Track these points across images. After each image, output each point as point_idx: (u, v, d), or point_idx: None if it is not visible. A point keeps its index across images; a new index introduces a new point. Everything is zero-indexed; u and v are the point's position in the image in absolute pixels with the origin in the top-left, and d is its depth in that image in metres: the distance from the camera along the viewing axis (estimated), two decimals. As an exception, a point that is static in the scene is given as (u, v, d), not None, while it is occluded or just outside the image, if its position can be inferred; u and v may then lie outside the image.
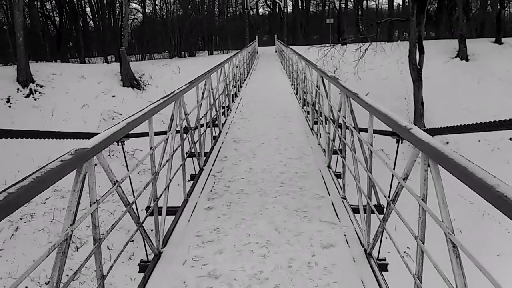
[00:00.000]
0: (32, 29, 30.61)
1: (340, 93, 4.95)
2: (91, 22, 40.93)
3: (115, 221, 2.80)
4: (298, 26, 50.95)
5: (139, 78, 22.65)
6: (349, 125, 4.60)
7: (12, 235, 13.38)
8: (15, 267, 12.33)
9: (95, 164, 2.49)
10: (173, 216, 4.38)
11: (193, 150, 5.84)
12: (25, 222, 14.11)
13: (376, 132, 4.18)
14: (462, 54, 24.06)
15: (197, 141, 6.00)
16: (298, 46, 27.52)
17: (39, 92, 20.44)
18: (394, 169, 3.01)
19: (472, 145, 18.99)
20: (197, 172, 6.02)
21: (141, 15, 43.08)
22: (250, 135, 7.87)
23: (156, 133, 3.94)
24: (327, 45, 25.08)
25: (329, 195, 4.92)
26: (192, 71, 22.56)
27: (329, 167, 5.96)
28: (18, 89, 20.04)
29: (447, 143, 19.52)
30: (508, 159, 18.68)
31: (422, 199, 2.39)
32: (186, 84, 5.39)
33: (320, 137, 7.39)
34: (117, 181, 2.81)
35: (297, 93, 13.07)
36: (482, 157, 17.69)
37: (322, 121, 7.22)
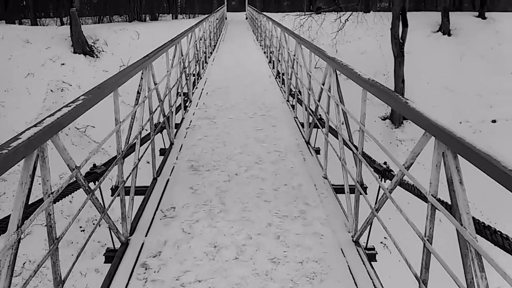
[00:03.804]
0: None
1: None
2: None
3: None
4: (269, -9, 48.37)
5: (92, 44, 20.12)
6: (433, 203, 2.25)
7: None
8: None
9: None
10: None
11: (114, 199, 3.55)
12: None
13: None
14: (445, 28, 22.63)
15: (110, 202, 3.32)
16: (271, 13, 25.41)
17: (-24, 58, 17.93)
18: None
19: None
20: (117, 248, 3.37)
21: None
22: (217, 154, 5.33)
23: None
24: (304, 13, 23.21)
25: None
26: (153, 37, 20.31)
27: (356, 242, 3.44)
28: (-52, 54, 17.42)
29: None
30: (490, 143, 17.55)
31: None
32: (78, 100, 2.54)
33: (319, 155, 5.31)
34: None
35: (277, 76, 10.61)
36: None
37: (330, 135, 4.91)
